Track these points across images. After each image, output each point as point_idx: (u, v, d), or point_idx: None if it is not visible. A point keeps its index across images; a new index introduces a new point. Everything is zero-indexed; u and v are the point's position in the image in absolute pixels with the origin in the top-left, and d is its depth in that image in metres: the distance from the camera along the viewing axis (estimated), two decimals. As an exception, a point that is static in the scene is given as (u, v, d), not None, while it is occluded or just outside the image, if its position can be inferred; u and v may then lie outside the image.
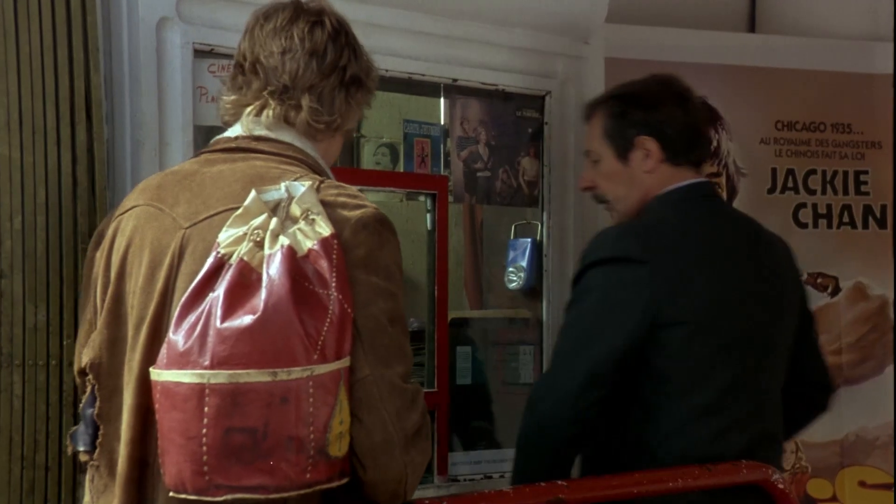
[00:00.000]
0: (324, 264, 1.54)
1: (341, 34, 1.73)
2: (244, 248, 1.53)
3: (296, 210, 1.57)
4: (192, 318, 1.51)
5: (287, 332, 1.50)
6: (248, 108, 1.71)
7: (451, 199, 2.51)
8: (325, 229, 1.55)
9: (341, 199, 1.60)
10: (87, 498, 1.71)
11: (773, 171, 3.19)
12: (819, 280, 3.17)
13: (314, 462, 1.50)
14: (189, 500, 1.50)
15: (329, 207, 1.58)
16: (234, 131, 1.71)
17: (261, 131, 1.69)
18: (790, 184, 3.21)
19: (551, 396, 2.02)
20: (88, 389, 1.68)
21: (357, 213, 1.59)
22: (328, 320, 1.53)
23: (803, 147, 3.21)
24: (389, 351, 1.58)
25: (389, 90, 2.38)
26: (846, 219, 3.22)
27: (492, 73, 2.54)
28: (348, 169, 2.48)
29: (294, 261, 1.53)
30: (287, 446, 1.49)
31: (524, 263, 2.58)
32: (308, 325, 1.50)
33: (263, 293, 1.50)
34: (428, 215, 2.49)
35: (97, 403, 1.66)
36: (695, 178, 2.16)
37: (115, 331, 1.66)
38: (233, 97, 1.73)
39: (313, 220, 1.56)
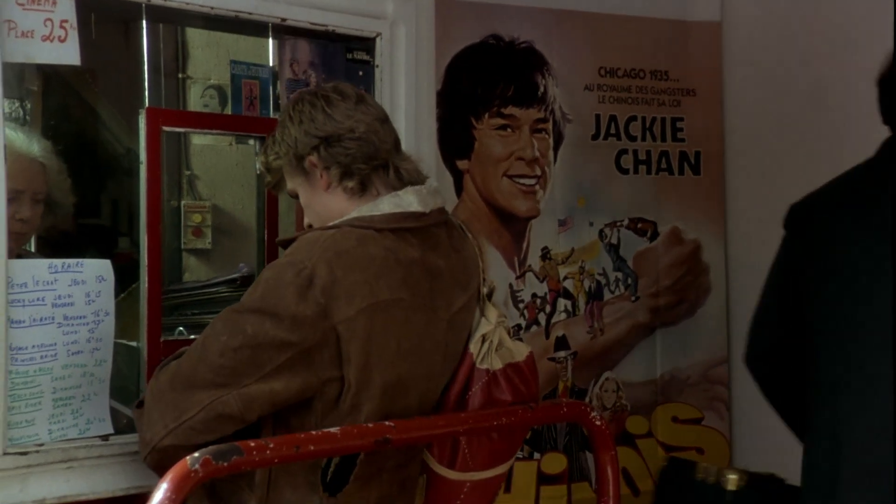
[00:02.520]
0: None
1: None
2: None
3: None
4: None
5: None
6: None
7: (280, 142, 2.53)
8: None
9: None
10: None
11: (597, 117, 3.31)
12: (639, 225, 3.35)
13: None
14: None
15: None
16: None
17: None
18: (613, 130, 3.34)
19: None
20: None
21: None
22: None
23: (625, 94, 3.35)
24: None
25: (216, 29, 2.36)
26: (664, 165, 3.39)
27: (321, 13, 2.55)
28: (175, 111, 2.46)
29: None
30: None
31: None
32: None
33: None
34: (258, 159, 2.51)
35: None
36: None
37: None
38: None
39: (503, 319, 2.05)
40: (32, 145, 2.38)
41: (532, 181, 3.18)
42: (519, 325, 3.11)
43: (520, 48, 3.16)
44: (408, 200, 1.94)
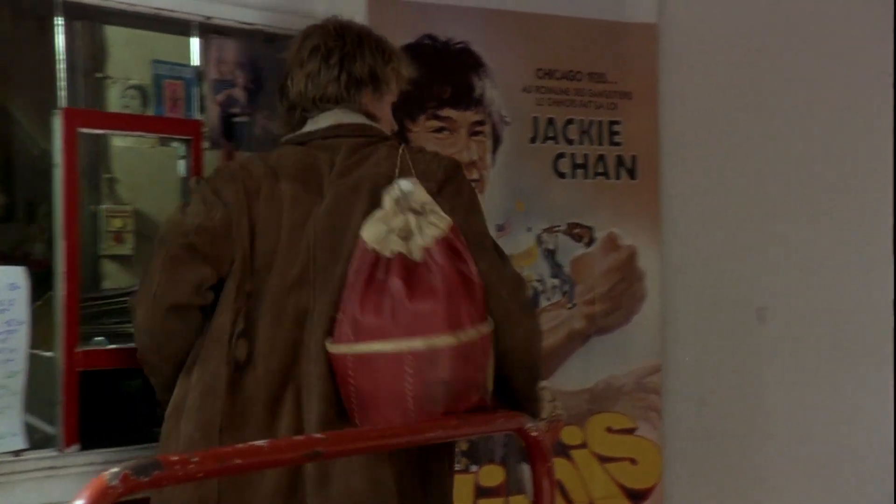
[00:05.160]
0: (458, 245, 2.11)
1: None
2: (395, 242, 2.09)
3: (415, 205, 2.11)
4: (373, 300, 2.05)
5: (459, 303, 2.06)
6: None
7: (206, 144, 2.51)
8: (444, 217, 2.12)
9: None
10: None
11: (535, 119, 3.32)
12: (576, 230, 3.36)
13: (481, 397, 2.12)
14: None
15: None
16: None
17: None
18: (550, 133, 3.35)
19: None
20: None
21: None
22: (478, 289, 2.10)
23: (562, 96, 3.36)
24: (495, 252, 2.25)
25: (136, 27, 2.34)
26: (601, 169, 3.41)
27: (249, 12, 2.54)
28: (92, 112, 2.43)
29: (446, 248, 2.08)
30: (469, 390, 2.08)
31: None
32: (470, 294, 2.08)
33: (439, 278, 2.06)
34: (181, 161, 2.49)
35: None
36: None
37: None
38: None
39: (433, 210, 2.12)
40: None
41: (469, 185, 3.18)
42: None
43: (455, 49, 3.17)
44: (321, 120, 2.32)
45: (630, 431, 3.40)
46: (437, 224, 2.11)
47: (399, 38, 3.06)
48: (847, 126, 3.54)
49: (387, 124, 2.42)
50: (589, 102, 3.39)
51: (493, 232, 3.16)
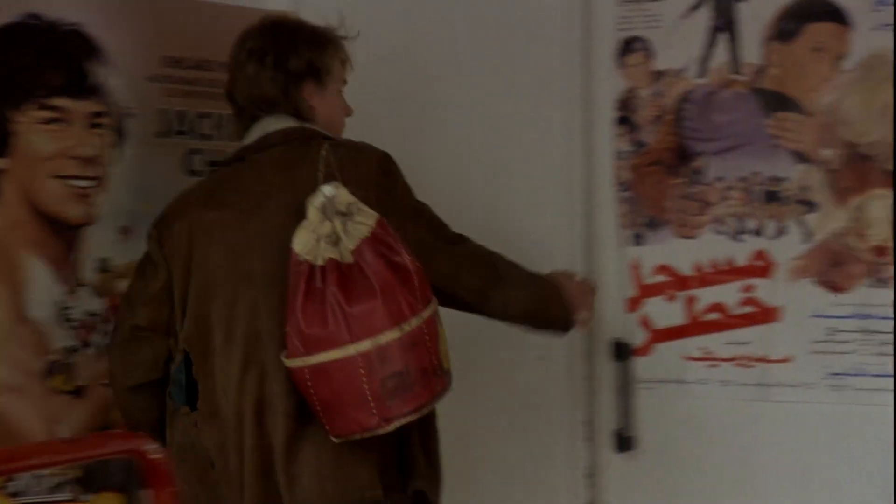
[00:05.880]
0: (387, 237, 2.21)
1: None
2: (325, 249, 2.18)
3: (340, 207, 2.22)
4: (315, 311, 2.16)
5: (397, 296, 2.16)
6: None
7: None
8: (370, 213, 2.24)
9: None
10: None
11: (163, 112, 3.10)
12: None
13: (439, 378, 2.24)
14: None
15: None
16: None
17: None
18: (182, 127, 3.14)
19: None
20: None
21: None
22: (414, 276, 2.21)
23: (193, 87, 3.16)
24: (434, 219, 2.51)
25: None
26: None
27: None
28: None
29: (376, 245, 2.19)
30: (426, 376, 2.19)
31: None
32: (406, 284, 2.18)
33: (372, 277, 2.16)
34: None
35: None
36: None
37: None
38: None
39: (359, 209, 2.23)
40: None
41: (88, 182, 2.89)
42: (74, 348, 2.80)
43: (64, 31, 2.86)
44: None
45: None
46: (364, 222, 2.21)
47: (-5, 15, 2.73)
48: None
49: (339, 111, 2.60)
50: (222, 95, 3.18)
51: (114, 235, 2.94)
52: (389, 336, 2.14)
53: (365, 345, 2.13)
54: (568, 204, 3.31)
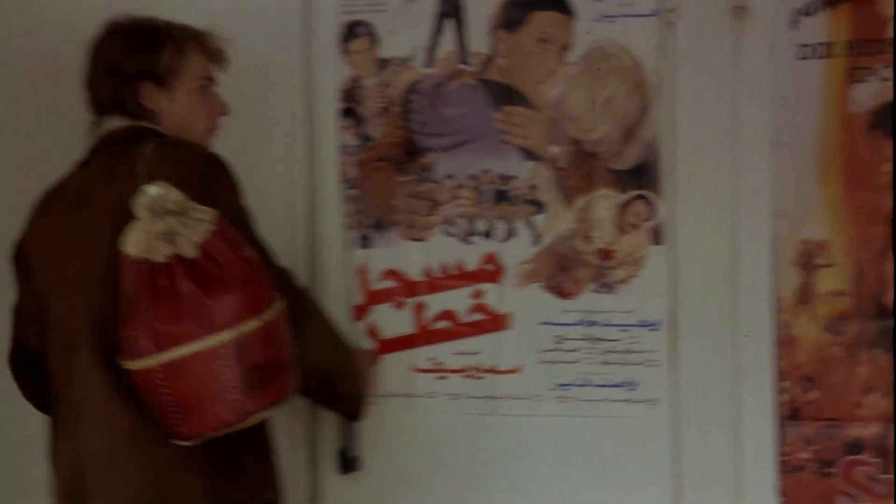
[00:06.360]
0: (230, 233, 2.21)
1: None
2: (163, 247, 2.16)
3: (171, 206, 2.18)
4: (169, 307, 2.13)
5: (255, 286, 2.19)
6: None
7: None
8: (207, 210, 2.21)
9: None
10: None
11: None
12: None
13: (292, 375, 2.27)
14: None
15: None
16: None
17: None
18: None
19: None
20: None
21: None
22: (261, 269, 2.23)
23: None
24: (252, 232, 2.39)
25: None
26: None
27: None
28: None
29: (223, 237, 2.18)
30: (283, 367, 2.24)
31: None
32: (259, 276, 2.21)
33: (229, 268, 2.16)
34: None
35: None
36: None
37: None
38: None
39: (192, 206, 2.19)
40: None
41: None
42: None
43: None
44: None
45: None
46: (203, 218, 2.17)
47: None
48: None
49: (196, 111, 2.50)
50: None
51: None
52: (250, 325, 2.14)
53: (227, 335, 2.13)
54: (290, 203, 3.04)
